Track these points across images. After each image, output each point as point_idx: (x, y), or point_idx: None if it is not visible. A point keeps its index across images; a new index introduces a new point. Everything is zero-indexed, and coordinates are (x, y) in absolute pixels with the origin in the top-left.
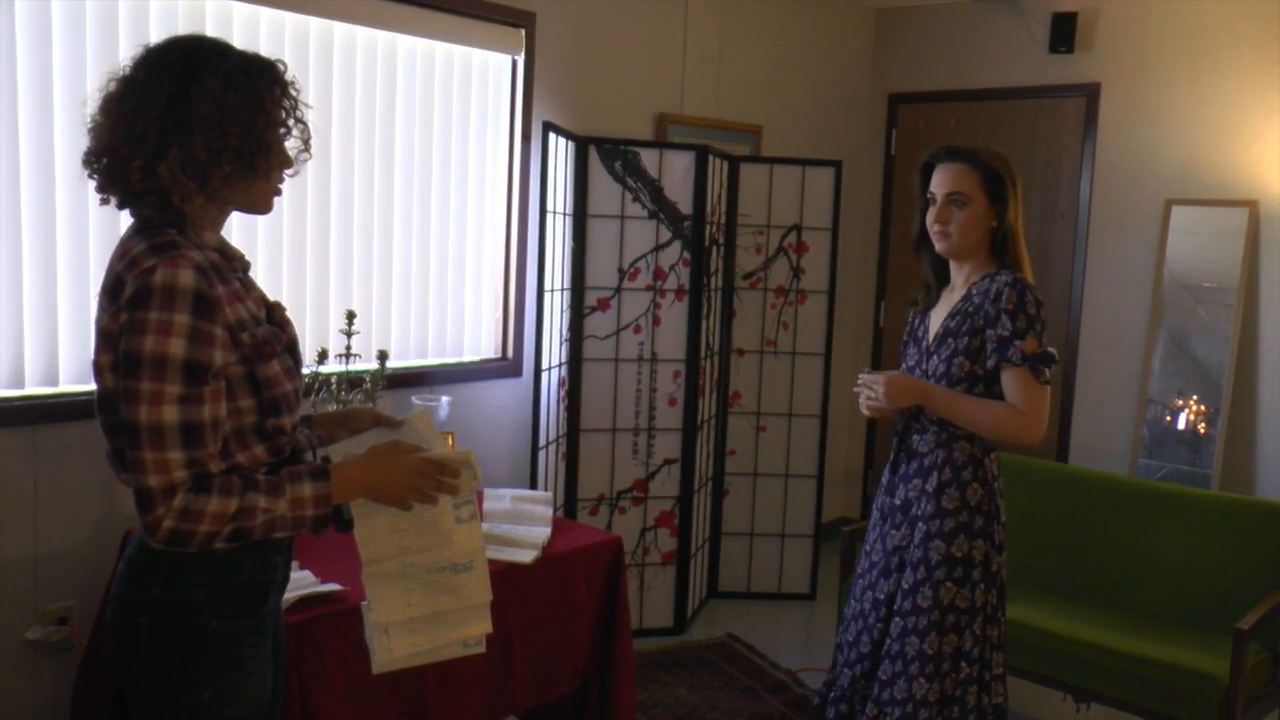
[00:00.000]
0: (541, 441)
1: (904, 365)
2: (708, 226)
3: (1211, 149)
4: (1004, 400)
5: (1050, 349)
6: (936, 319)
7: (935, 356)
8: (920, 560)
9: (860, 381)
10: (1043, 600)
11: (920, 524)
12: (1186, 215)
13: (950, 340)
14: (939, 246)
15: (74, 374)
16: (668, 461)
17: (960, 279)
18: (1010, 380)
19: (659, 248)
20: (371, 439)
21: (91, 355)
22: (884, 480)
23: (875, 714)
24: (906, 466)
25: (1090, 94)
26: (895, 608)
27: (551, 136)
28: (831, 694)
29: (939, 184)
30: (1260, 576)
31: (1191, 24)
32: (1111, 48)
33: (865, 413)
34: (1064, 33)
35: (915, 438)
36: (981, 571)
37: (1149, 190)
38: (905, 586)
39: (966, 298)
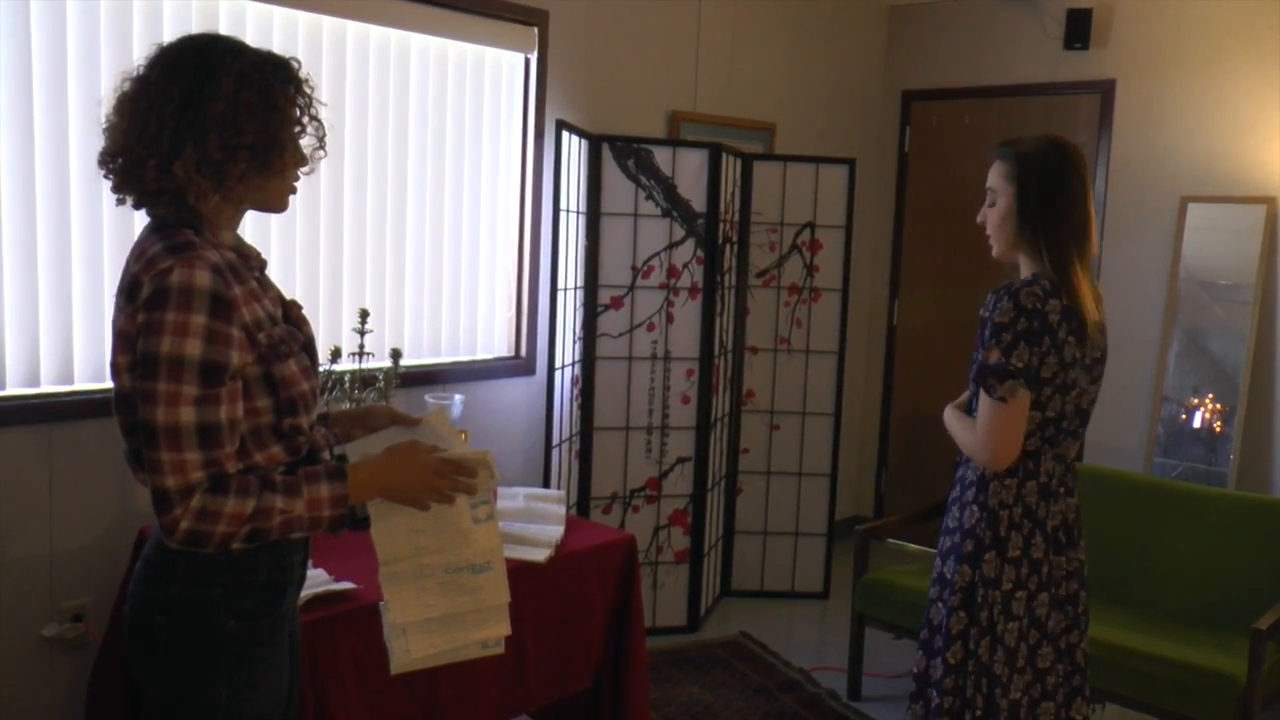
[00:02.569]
0: (555, 440)
1: None
2: (721, 224)
3: (1228, 146)
4: None
5: (1008, 362)
6: None
7: None
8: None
9: None
10: None
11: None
12: (1202, 212)
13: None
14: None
15: (89, 372)
16: (681, 460)
17: None
18: (976, 397)
19: (672, 246)
20: (388, 437)
21: (106, 354)
22: None
23: None
24: None
25: (1105, 91)
26: None
27: (564, 134)
28: None
29: None
30: (1277, 576)
31: (1207, 20)
32: (1126, 44)
33: None
34: (1079, 29)
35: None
36: (962, 599)
37: (1164, 187)
38: None
39: None
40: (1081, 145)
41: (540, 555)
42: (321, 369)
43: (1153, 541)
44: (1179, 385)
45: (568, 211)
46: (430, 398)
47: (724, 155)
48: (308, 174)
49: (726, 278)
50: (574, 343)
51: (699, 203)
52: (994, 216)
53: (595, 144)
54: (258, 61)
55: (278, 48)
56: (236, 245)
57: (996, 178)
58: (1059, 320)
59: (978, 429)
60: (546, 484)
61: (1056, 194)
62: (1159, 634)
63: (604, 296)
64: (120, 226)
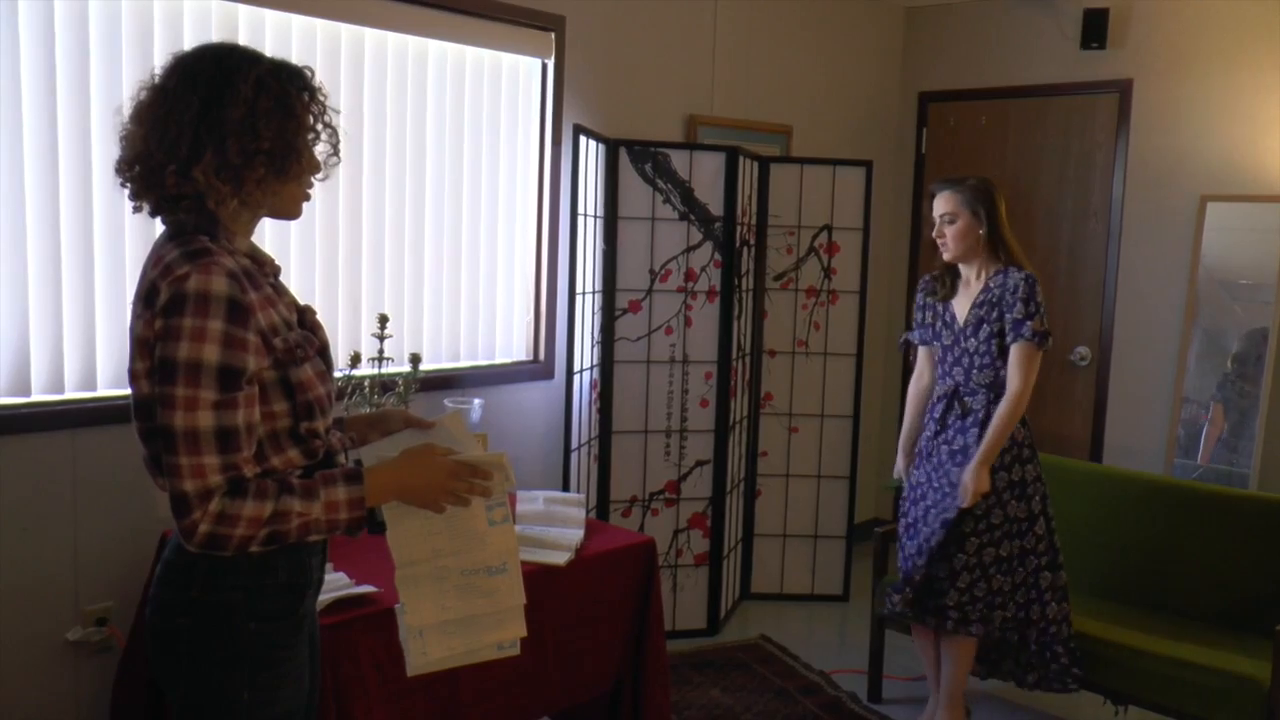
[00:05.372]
0: (574, 443)
1: (938, 344)
2: (738, 227)
3: (1247, 144)
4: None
5: (1048, 330)
6: (961, 307)
7: (973, 338)
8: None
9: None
10: (1078, 602)
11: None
12: (1222, 211)
13: (985, 325)
14: (943, 256)
15: (111, 379)
16: (700, 463)
17: (972, 275)
18: (1017, 350)
19: (690, 249)
20: (404, 441)
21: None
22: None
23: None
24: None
25: (1123, 90)
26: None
27: (582, 139)
28: None
29: (935, 209)
30: None
31: (1225, 18)
32: (1144, 43)
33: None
34: (1096, 28)
35: (967, 399)
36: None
37: (1183, 187)
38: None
39: (986, 290)
40: (1099, 145)
41: (560, 558)
42: (341, 374)
43: (1174, 543)
44: (1199, 386)
45: (585, 216)
46: (450, 402)
47: (741, 158)
48: (322, 180)
49: (744, 281)
50: (592, 347)
51: (716, 206)
52: (954, 232)
53: (612, 148)
54: (274, 69)
55: (296, 55)
56: (251, 252)
57: (953, 205)
58: None
59: (1027, 376)
60: (566, 487)
61: (997, 212)
62: (1181, 637)
63: (622, 300)
64: (142, 234)
